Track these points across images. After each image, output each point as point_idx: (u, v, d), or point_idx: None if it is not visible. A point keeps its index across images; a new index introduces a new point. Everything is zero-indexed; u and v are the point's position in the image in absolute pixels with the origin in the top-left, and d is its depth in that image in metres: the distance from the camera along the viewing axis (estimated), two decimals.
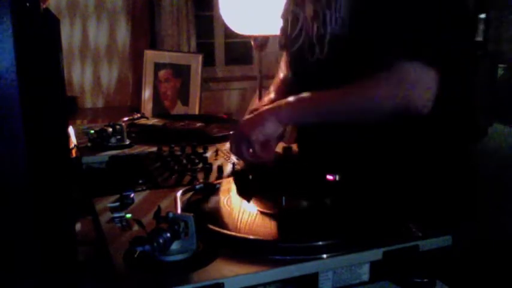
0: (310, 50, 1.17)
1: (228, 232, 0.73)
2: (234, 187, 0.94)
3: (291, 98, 1.06)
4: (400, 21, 0.96)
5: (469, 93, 1.11)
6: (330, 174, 0.98)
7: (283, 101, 1.07)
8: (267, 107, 1.09)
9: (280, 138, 1.12)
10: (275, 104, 1.08)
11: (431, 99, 0.95)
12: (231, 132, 1.36)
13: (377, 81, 0.98)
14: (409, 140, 1.08)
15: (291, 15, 1.25)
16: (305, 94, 1.06)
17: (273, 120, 1.04)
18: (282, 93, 1.29)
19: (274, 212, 0.82)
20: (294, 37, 1.23)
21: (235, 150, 1.07)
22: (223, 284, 0.62)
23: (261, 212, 0.82)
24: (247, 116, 1.11)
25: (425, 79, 0.95)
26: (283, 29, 1.30)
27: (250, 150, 1.04)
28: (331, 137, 1.11)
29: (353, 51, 1.06)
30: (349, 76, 1.01)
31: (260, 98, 2.22)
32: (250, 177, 0.99)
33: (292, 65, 1.29)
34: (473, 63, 1.08)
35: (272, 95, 1.31)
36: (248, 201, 0.86)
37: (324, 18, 1.12)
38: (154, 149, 1.23)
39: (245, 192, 0.90)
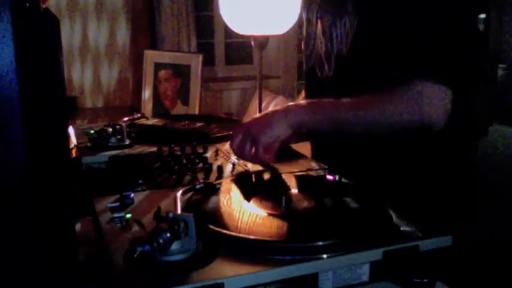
0: (320, 68, 1.19)
1: (228, 232, 0.73)
2: (234, 188, 0.94)
3: (303, 102, 1.05)
4: (419, 40, 0.97)
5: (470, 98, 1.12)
6: (330, 174, 0.98)
7: (294, 104, 1.05)
8: (277, 107, 1.05)
9: (286, 142, 1.08)
10: (286, 106, 1.05)
11: (447, 116, 0.97)
12: (230, 132, 1.36)
13: (397, 96, 0.99)
14: (410, 141, 1.08)
15: (306, 35, 1.27)
16: (319, 100, 1.04)
17: (282, 123, 1.01)
18: None
19: (274, 212, 0.82)
20: (307, 56, 1.25)
21: (237, 149, 1.04)
22: (223, 284, 0.62)
23: (261, 212, 0.82)
24: (255, 115, 1.08)
25: (442, 96, 0.96)
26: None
27: (253, 150, 1.01)
28: (330, 139, 1.11)
29: (354, 69, 1.07)
30: (351, 93, 1.02)
31: (260, 97, 2.21)
32: (253, 178, 0.99)
33: (306, 83, 1.31)
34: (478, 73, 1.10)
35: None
36: (248, 201, 0.86)
37: (330, 36, 1.13)
38: (154, 149, 1.23)
39: (247, 193, 0.90)
